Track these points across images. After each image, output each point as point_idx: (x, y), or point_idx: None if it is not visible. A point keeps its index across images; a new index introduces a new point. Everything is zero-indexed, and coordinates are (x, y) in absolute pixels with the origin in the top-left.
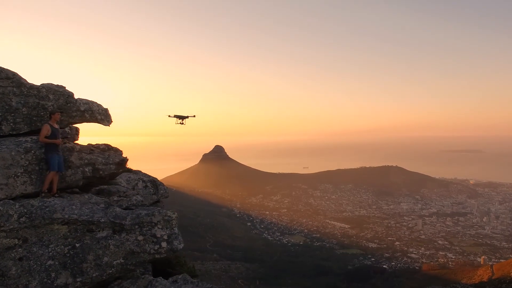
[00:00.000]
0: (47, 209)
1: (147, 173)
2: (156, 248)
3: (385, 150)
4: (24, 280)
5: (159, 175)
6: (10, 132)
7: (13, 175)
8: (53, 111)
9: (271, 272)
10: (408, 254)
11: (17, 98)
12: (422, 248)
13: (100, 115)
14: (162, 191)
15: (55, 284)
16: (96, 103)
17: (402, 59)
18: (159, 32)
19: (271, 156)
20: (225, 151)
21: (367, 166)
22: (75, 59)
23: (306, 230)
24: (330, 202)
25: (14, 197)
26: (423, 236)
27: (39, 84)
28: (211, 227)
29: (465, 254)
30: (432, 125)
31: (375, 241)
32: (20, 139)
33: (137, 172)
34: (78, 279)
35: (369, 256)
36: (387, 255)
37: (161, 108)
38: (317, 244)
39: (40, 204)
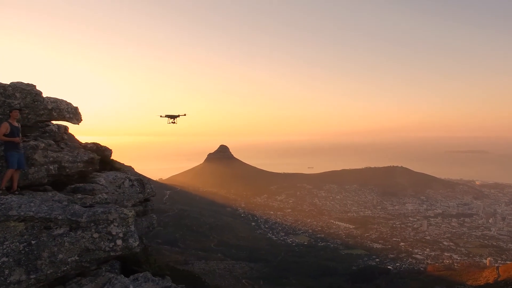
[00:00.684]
0: (2, 206)
1: (144, 172)
2: (111, 246)
3: (390, 150)
4: None
5: (164, 175)
6: None
7: None
8: (11, 109)
9: (275, 272)
10: (413, 255)
11: None
12: (427, 249)
13: (69, 114)
14: (149, 190)
15: (8, 281)
16: (65, 101)
17: (408, 59)
18: (164, 32)
19: (276, 156)
20: (230, 150)
21: (372, 166)
22: (77, 58)
23: (310, 230)
24: (335, 202)
25: None
26: (428, 237)
27: (8, 83)
28: (216, 226)
29: (471, 255)
30: (438, 125)
31: (379, 241)
32: None
33: (126, 171)
34: (32, 276)
35: (374, 256)
36: (392, 255)
37: (166, 107)
38: (322, 244)
39: None
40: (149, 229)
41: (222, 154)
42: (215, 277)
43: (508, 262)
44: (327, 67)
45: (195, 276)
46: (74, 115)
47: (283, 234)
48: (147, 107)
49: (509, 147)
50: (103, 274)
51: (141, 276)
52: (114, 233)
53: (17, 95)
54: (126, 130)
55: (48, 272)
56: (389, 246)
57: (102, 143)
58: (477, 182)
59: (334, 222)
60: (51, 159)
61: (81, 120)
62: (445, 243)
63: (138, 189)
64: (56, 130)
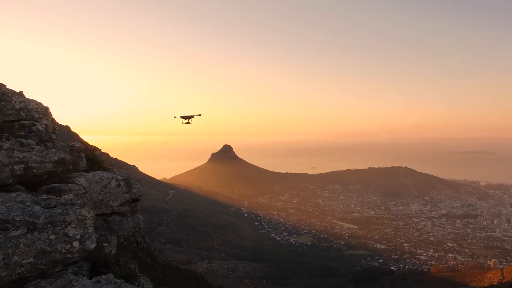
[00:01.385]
0: None
1: (145, 172)
2: (67, 248)
3: (395, 151)
4: None
5: (168, 174)
6: None
7: None
8: None
9: (278, 272)
10: (417, 256)
11: None
12: (431, 250)
13: (38, 114)
14: (135, 190)
15: None
16: (35, 101)
17: (413, 59)
18: (167, 31)
19: (280, 156)
20: (234, 150)
21: (376, 166)
22: (81, 57)
23: (314, 231)
24: (338, 202)
25: None
26: (432, 238)
27: None
28: (219, 226)
29: (475, 256)
30: (442, 126)
31: (383, 242)
32: None
33: (114, 171)
34: None
35: (377, 257)
36: (395, 256)
37: (170, 107)
38: (325, 244)
39: None
40: (136, 230)
41: (225, 154)
42: (218, 277)
43: None
44: (332, 67)
45: (197, 276)
46: (43, 115)
47: (286, 234)
48: (151, 106)
49: None
50: (64, 276)
51: (103, 278)
52: (71, 235)
53: None
54: (130, 129)
55: (2, 274)
56: (393, 247)
57: (106, 143)
58: (481, 183)
59: (338, 223)
60: (17, 159)
61: (51, 120)
62: (449, 244)
63: (125, 189)
64: (43, 129)
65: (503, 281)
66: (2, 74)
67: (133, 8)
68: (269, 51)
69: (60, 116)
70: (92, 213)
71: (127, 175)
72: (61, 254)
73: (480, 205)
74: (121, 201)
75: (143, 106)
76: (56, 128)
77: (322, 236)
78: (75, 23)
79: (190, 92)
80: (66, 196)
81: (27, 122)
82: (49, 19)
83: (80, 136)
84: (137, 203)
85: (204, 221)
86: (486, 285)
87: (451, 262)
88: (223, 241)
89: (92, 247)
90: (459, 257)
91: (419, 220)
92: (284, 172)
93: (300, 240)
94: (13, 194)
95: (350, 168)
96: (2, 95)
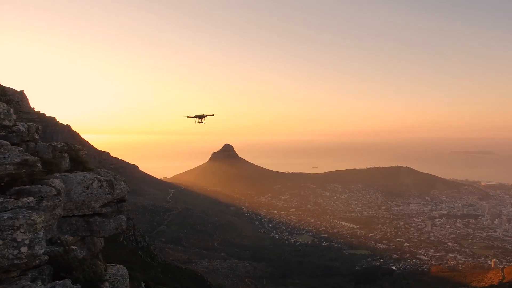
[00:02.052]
0: None
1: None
2: (15, 253)
3: (395, 150)
4: None
5: (168, 173)
6: None
7: None
8: None
9: (278, 272)
10: (417, 256)
11: None
12: (432, 250)
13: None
14: (118, 191)
15: None
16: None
17: (413, 59)
18: (168, 30)
19: (280, 155)
20: (234, 150)
21: (377, 166)
22: (82, 56)
23: (314, 230)
24: (339, 202)
25: None
26: (432, 238)
27: None
28: (219, 225)
29: (475, 256)
30: (443, 126)
31: (383, 242)
32: None
33: (99, 171)
34: None
35: (378, 257)
36: (396, 256)
37: (170, 107)
38: (325, 244)
39: None
40: (117, 231)
41: (226, 153)
42: (219, 276)
43: None
44: (333, 66)
45: (197, 275)
46: (6, 116)
47: (287, 233)
48: (152, 106)
49: None
50: (17, 282)
51: (59, 284)
52: (19, 240)
53: None
54: (131, 128)
55: None
56: (393, 247)
57: (108, 142)
58: (482, 183)
59: (338, 222)
60: None
61: (14, 121)
62: (449, 244)
63: (107, 190)
64: (25, 130)
65: (504, 281)
66: (2, 73)
67: (134, 7)
68: (270, 51)
69: (61, 115)
70: (43, 217)
71: (113, 176)
72: (8, 260)
73: (480, 205)
74: (103, 202)
75: (143, 105)
76: (40, 128)
77: (322, 235)
78: (76, 22)
79: (190, 91)
80: (24, 199)
81: (8, 122)
82: (50, 18)
83: (81, 135)
84: (123, 204)
85: (204, 221)
86: (487, 285)
87: (451, 262)
88: (223, 240)
89: (41, 252)
90: (459, 257)
91: (419, 220)
92: (284, 171)
93: (300, 240)
94: None
95: (350, 168)
96: None
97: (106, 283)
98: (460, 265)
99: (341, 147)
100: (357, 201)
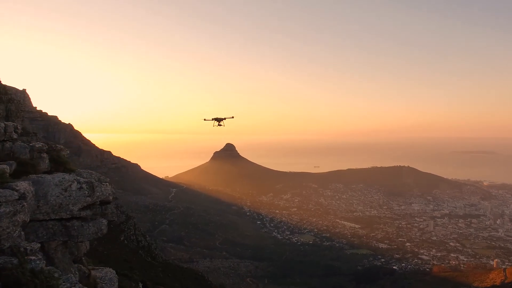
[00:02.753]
0: None
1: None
2: None
3: (397, 150)
4: None
5: (170, 173)
6: None
7: None
8: None
9: (280, 271)
10: (419, 256)
11: None
12: (433, 250)
13: None
14: (99, 193)
15: None
16: None
17: (414, 59)
18: (169, 30)
19: (282, 155)
20: (236, 149)
21: (379, 166)
22: (83, 55)
23: (316, 230)
24: (341, 201)
25: None
26: (434, 238)
27: None
28: (221, 225)
29: (478, 256)
30: (444, 125)
31: (385, 241)
32: None
33: (80, 173)
34: None
35: (379, 256)
36: (397, 256)
37: (170, 106)
38: (327, 244)
39: None
40: (98, 235)
41: (228, 153)
42: (220, 275)
43: None
44: (334, 66)
45: (198, 275)
46: None
47: (288, 233)
48: (153, 105)
49: None
50: None
51: None
52: None
53: None
54: (133, 127)
55: None
56: (395, 246)
57: (110, 141)
58: (484, 183)
59: (340, 222)
60: None
61: None
62: (451, 244)
63: (87, 192)
64: (1, 129)
65: (506, 281)
66: (5, 73)
67: (135, 6)
68: (271, 51)
69: (63, 114)
70: None
71: (97, 177)
72: None
73: (483, 205)
74: (82, 205)
75: (145, 104)
76: (19, 128)
77: (324, 235)
78: (78, 22)
79: (191, 91)
80: None
81: None
82: (52, 17)
83: (83, 134)
84: (107, 206)
85: (206, 220)
86: (489, 285)
87: (453, 262)
88: (225, 239)
89: None
90: (461, 257)
91: (421, 220)
92: (286, 171)
93: (302, 239)
94: None
95: (352, 168)
96: None
97: None
98: (462, 265)
99: (343, 146)
100: (358, 201)
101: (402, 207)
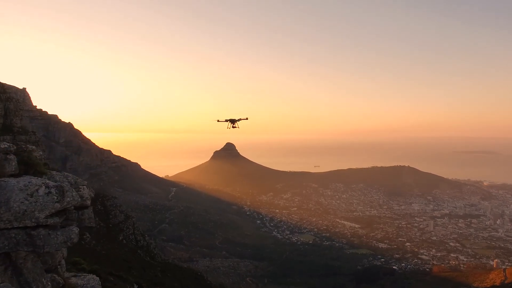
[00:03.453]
0: None
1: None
2: None
3: (397, 150)
4: None
5: (170, 172)
6: None
7: None
8: None
9: (279, 271)
10: (419, 256)
11: None
12: (433, 250)
13: None
14: (69, 199)
15: None
16: None
17: (415, 58)
18: (170, 29)
19: (282, 154)
20: (236, 148)
21: (379, 166)
22: (83, 54)
23: (316, 229)
24: (341, 201)
25: None
26: (434, 238)
27: None
28: (221, 224)
29: (477, 256)
30: (446, 125)
31: (385, 241)
32: None
33: (52, 176)
34: None
35: (379, 256)
36: (397, 256)
37: (170, 106)
38: (327, 243)
39: None
40: (67, 245)
41: (228, 152)
42: (220, 275)
43: None
44: (335, 65)
45: (197, 275)
46: None
47: (288, 232)
48: (154, 104)
49: None
50: None
51: None
52: None
53: None
54: (134, 127)
55: None
56: (395, 246)
57: (111, 140)
58: (485, 183)
59: (340, 221)
60: None
61: None
62: (451, 244)
63: (56, 197)
64: None
65: (506, 281)
66: (5, 71)
67: (136, 5)
68: (272, 50)
69: (63, 113)
70: None
71: (74, 180)
72: None
73: (483, 205)
74: (49, 211)
75: (145, 103)
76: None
77: (324, 235)
78: (78, 21)
79: (192, 90)
80: None
81: None
82: (53, 16)
83: (83, 134)
84: (84, 212)
85: (206, 219)
86: (489, 286)
87: (453, 262)
88: (225, 239)
89: None
90: (461, 257)
91: (421, 220)
92: (286, 170)
93: (302, 239)
94: None
95: (352, 167)
96: None
97: None
98: (462, 265)
99: (343, 146)
100: (359, 201)
101: (402, 207)
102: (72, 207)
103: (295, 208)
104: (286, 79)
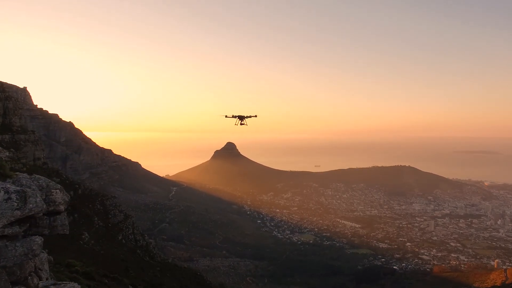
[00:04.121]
0: None
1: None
2: None
3: (398, 150)
4: None
5: (171, 171)
6: None
7: None
8: None
9: (280, 271)
10: (419, 256)
11: None
12: (434, 250)
13: None
14: (32, 205)
15: None
16: None
17: (416, 58)
18: (171, 29)
19: (283, 154)
20: (237, 148)
21: (380, 165)
22: (83, 53)
23: (316, 229)
24: (341, 201)
25: None
26: (435, 238)
27: None
28: (221, 224)
29: (478, 257)
30: (446, 125)
31: (385, 241)
32: None
33: (18, 179)
34: None
35: (379, 256)
36: (398, 256)
37: (170, 106)
38: (327, 243)
39: None
40: (28, 257)
41: (229, 151)
42: (220, 275)
43: None
44: (336, 65)
45: (197, 274)
46: None
47: (289, 232)
48: (154, 104)
49: None
50: None
51: None
52: None
53: None
54: (134, 126)
55: None
56: (395, 246)
57: (111, 139)
58: (485, 183)
59: (340, 221)
60: None
61: None
62: (452, 244)
63: (16, 204)
64: None
65: (507, 282)
66: (6, 71)
67: (136, 4)
68: (273, 50)
69: (64, 112)
70: None
71: (47, 183)
72: None
73: (484, 205)
74: (8, 220)
75: (146, 103)
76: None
77: (324, 234)
78: (79, 20)
79: (192, 89)
80: None
81: None
82: (53, 16)
83: (84, 133)
84: (56, 218)
85: (206, 219)
86: (489, 286)
87: (454, 262)
88: (225, 238)
89: None
90: (462, 257)
91: (422, 220)
92: (287, 170)
93: (302, 239)
94: None
95: (353, 167)
96: None
97: None
98: (462, 266)
99: (344, 146)
100: (359, 200)
101: (403, 206)
102: (41, 213)
103: (296, 208)
104: (287, 78)
